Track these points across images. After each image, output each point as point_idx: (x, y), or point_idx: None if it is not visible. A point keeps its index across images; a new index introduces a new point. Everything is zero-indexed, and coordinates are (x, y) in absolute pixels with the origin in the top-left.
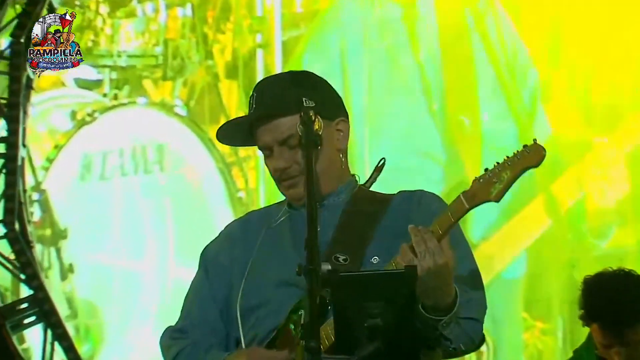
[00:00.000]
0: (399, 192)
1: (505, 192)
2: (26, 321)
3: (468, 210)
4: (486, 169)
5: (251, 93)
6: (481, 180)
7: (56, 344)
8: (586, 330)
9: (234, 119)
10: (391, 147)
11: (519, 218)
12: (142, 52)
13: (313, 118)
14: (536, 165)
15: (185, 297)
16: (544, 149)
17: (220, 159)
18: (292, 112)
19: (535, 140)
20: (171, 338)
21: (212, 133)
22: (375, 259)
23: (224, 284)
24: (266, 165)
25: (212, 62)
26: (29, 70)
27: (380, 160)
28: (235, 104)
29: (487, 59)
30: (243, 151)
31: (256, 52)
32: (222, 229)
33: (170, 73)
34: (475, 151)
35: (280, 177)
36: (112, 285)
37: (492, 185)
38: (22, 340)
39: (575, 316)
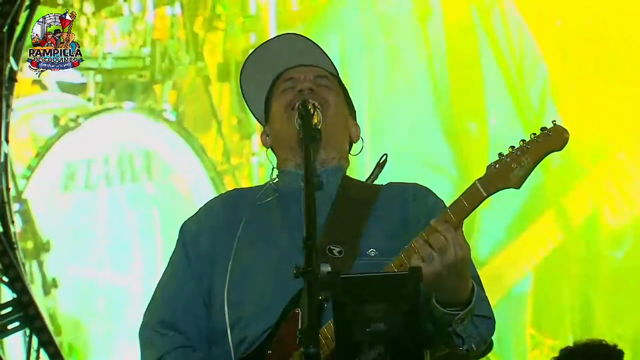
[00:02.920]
0: (388, 183)
1: (526, 178)
2: (10, 326)
3: (485, 198)
4: (500, 154)
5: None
6: (497, 165)
7: (42, 350)
8: None
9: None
10: (394, 154)
11: (529, 234)
12: (128, 53)
13: (312, 112)
14: (559, 149)
15: (163, 278)
16: (566, 131)
17: (211, 167)
18: (335, 74)
19: (554, 122)
20: (155, 332)
21: (203, 139)
22: (372, 251)
23: (207, 271)
24: (277, 105)
25: (202, 64)
26: (12, 61)
27: (382, 156)
28: (227, 108)
29: (494, 57)
30: (236, 158)
31: (249, 53)
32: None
33: (159, 76)
34: (482, 158)
35: (300, 100)
36: (97, 301)
37: (511, 171)
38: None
39: (587, 333)
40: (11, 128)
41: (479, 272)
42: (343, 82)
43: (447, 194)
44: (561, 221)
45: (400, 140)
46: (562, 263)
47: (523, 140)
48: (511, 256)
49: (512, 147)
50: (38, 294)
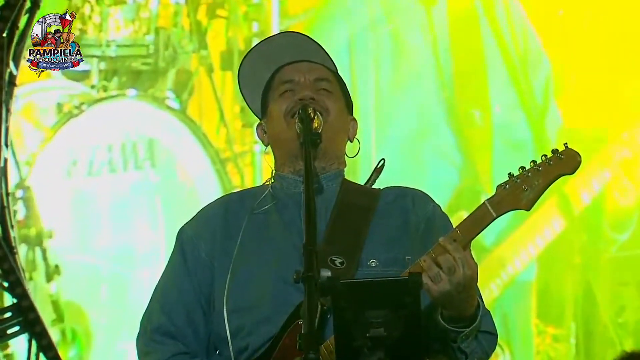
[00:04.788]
0: (385, 188)
1: (537, 200)
2: (9, 331)
3: (495, 218)
4: (510, 174)
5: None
6: (507, 186)
7: (41, 355)
8: (601, 336)
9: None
10: (401, 142)
11: (534, 219)
12: (132, 41)
13: (312, 115)
14: (571, 173)
15: (161, 284)
16: (578, 155)
17: (214, 155)
18: (333, 69)
19: (566, 144)
20: (153, 340)
21: (206, 127)
22: (373, 262)
23: (206, 277)
24: (276, 108)
25: (206, 52)
26: (12, 66)
27: (380, 161)
28: (230, 96)
29: (497, 47)
30: (239, 146)
31: (252, 41)
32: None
33: (162, 63)
34: (487, 146)
35: (299, 108)
36: (100, 288)
37: (521, 192)
38: (5, 345)
39: (590, 322)
40: (14, 115)
41: (485, 260)
42: (349, 70)
43: (452, 181)
44: (564, 206)
45: (405, 127)
46: (565, 252)
47: (534, 162)
48: (516, 242)
49: (523, 167)
50: (41, 281)
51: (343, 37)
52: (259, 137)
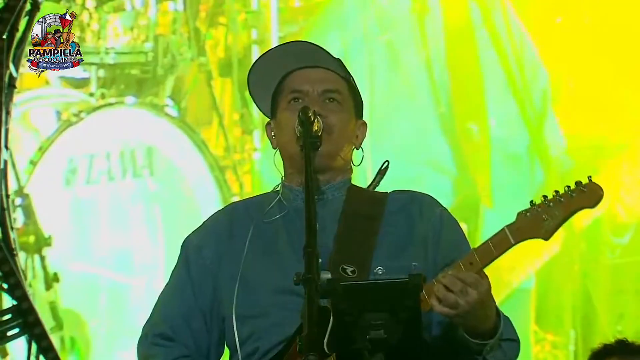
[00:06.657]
0: (392, 192)
1: (556, 230)
2: (9, 333)
3: (513, 245)
4: (532, 202)
5: (285, 42)
6: (528, 214)
7: (41, 357)
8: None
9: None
10: (395, 154)
11: (531, 242)
12: (130, 48)
13: (312, 118)
14: (592, 207)
15: (164, 292)
16: (601, 189)
17: (213, 163)
18: (345, 76)
19: (590, 177)
20: (155, 345)
21: (205, 134)
22: (379, 269)
23: (209, 286)
24: (284, 118)
25: (204, 59)
26: (12, 68)
27: (384, 163)
28: (229, 103)
29: (494, 58)
30: (237, 154)
31: (251, 48)
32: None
33: (161, 71)
34: (484, 159)
35: (300, 110)
36: (99, 296)
37: (541, 222)
38: (4, 353)
39: (589, 329)
40: (13, 122)
41: None
42: None
43: (448, 192)
44: (566, 223)
45: (401, 138)
46: (564, 259)
47: (556, 192)
48: (515, 259)
49: (545, 197)
50: (40, 289)
51: (336, 48)
52: (267, 135)
